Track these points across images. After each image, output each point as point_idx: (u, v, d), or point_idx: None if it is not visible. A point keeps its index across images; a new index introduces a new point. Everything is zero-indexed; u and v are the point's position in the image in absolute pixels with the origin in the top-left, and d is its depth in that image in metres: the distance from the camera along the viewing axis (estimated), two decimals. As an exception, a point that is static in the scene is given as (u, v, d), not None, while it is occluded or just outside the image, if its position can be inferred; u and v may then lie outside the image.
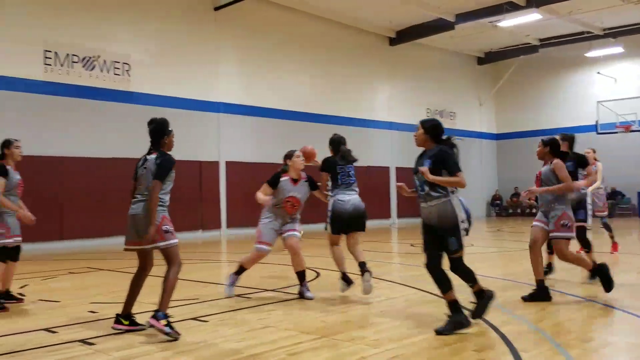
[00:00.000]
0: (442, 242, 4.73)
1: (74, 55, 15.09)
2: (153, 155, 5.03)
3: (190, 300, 6.30)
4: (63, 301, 6.48)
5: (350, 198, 6.39)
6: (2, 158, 6.29)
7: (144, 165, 5.01)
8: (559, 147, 6.19)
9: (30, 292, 7.16)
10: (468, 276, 4.84)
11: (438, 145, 4.83)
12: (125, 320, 4.97)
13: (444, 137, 4.92)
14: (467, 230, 4.83)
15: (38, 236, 12.35)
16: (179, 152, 16.90)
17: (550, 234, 5.93)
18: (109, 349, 4.32)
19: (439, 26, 21.61)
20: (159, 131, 5.23)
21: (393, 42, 23.72)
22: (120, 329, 4.90)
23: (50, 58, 14.65)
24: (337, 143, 6.70)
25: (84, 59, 15.26)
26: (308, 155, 6.68)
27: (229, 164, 18.21)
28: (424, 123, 4.95)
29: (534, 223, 6.11)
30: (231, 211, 18.11)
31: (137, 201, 4.94)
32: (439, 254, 4.79)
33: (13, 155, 6.38)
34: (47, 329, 4.98)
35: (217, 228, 17.86)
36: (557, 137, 6.51)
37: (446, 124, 25.62)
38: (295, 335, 4.62)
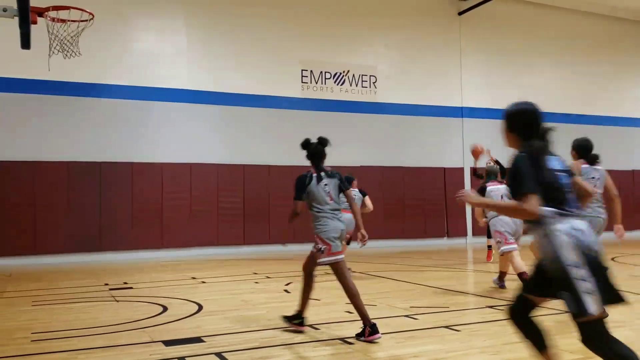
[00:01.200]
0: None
1: (326, 72, 16.36)
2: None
3: (440, 308, 6.30)
4: (322, 299, 6.99)
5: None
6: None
7: None
8: None
9: (295, 290, 7.90)
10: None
11: (527, 144, 3.09)
12: None
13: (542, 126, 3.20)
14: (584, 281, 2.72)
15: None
16: (424, 158, 17.26)
17: None
18: (367, 349, 4.53)
19: None
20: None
21: (660, 29, 20.86)
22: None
23: (306, 76, 16.12)
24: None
25: (335, 74, 16.45)
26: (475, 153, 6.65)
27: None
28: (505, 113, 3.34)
29: None
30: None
31: None
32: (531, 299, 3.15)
33: None
34: (310, 325, 5.42)
35: (462, 235, 17.62)
36: None
37: None
38: (558, 353, 4.29)
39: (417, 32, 17.64)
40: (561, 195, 2.95)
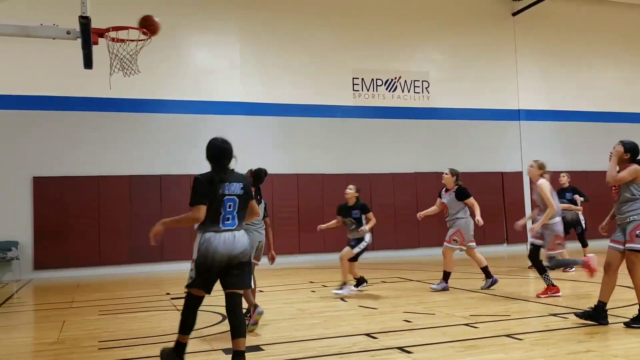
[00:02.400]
0: None
1: (378, 79, 16.32)
2: None
3: (502, 317, 6.15)
4: (380, 309, 6.95)
5: None
6: None
7: None
8: None
9: (351, 299, 7.89)
10: None
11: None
12: None
13: None
14: None
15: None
16: (480, 162, 17.01)
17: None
18: (426, 359, 4.47)
19: None
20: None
21: None
22: None
23: (357, 84, 16.13)
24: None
25: (386, 81, 16.39)
26: None
27: (532, 174, 17.40)
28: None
29: None
30: (536, 223, 17.24)
31: None
32: None
33: None
34: (367, 334, 5.40)
35: (522, 241, 17.14)
36: None
37: None
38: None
39: (469, 34, 17.38)
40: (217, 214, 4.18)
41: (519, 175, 17.29)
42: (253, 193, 4.58)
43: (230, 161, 4.36)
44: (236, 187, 4.25)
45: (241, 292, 4.37)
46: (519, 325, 5.69)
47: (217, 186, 4.16)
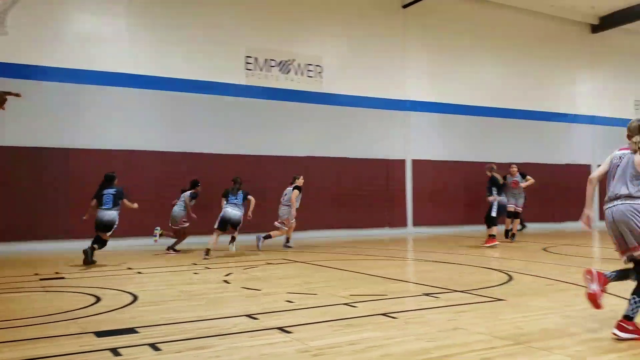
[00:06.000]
0: None
1: (271, 59, 16.21)
2: None
3: (380, 296, 6.39)
4: (264, 289, 6.96)
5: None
6: None
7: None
8: None
9: (235, 281, 7.84)
10: None
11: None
12: None
13: None
14: None
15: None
16: (369, 150, 17.52)
17: None
18: (305, 338, 4.53)
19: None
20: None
21: (596, 29, 21.77)
22: None
23: (251, 63, 15.92)
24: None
25: (280, 62, 16.32)
26: None
27: (415, 162, 18.16)
28: None
29: None
30: (417, 210, 18.08)
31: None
32: None
33: None
34: (249, 315, 5.38)
35: (403, 226, 17.94)
36: None
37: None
38: (488, 339, 4.42)
39: (362, 23, 17.72)
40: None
41: (402, 163, 17.99)
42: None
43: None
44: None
45: None
46: (395, 304, 5.93)
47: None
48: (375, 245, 13.66)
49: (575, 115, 21.50)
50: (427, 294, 6.46)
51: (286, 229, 12.67)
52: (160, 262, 10.38)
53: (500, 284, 7.17)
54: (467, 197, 18.63)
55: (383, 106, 17.79)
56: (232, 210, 11.00)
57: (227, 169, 14.93)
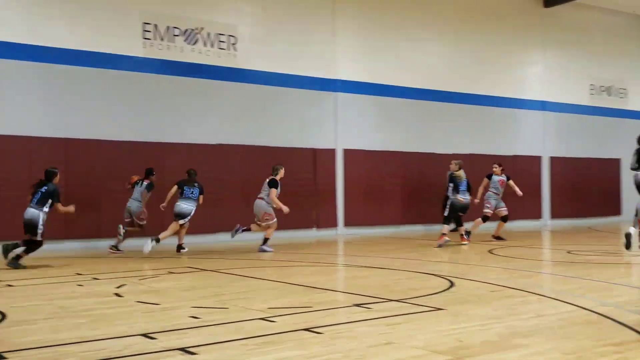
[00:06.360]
0: None
1: (175, 27, 15.88)
2: None
3: (303, 308, 6.42)
4: (162, 304, 6.84)
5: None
6: None
7: None
8: None
9: (128, 295, 7.66)
10: None
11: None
12: None
13: None
14: None
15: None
16: (292, 136, 17.66)
17: None
18: (214, 359, 4.49)
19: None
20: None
21: (548, 3, 22.74)
22: None
23: (149, 32, 15.53)
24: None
25: (185, 31, 16.02)
26: None
27: (347, 152, 18.33)
28: None
29: None
30: (349, 208, 18.27)
31: None
32: None
33: None
34: (144, 334, 5.27)
35: (332, 226, 18.09)
36: None
37: (615, 103, 24.29)
38: (425, 354, 4.54)
39: (285, -10, 17.70)
40: None
41: (332, 153, 18.13)
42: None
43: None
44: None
45: None
46: (321, 317, 5.98)
47: None
48: (300, 250, 13.73)
49: (524, 100, 22.37)
50: (357, 305, 6.55)
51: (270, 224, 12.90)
52: (35, 272, 9.99)
53: (440, 291, 7.38)
54: (405, 193, 19.04)
55: (309, 86, 17.83)
56: (185, 205, 12.49)
57: (120, 159, 14.56)
